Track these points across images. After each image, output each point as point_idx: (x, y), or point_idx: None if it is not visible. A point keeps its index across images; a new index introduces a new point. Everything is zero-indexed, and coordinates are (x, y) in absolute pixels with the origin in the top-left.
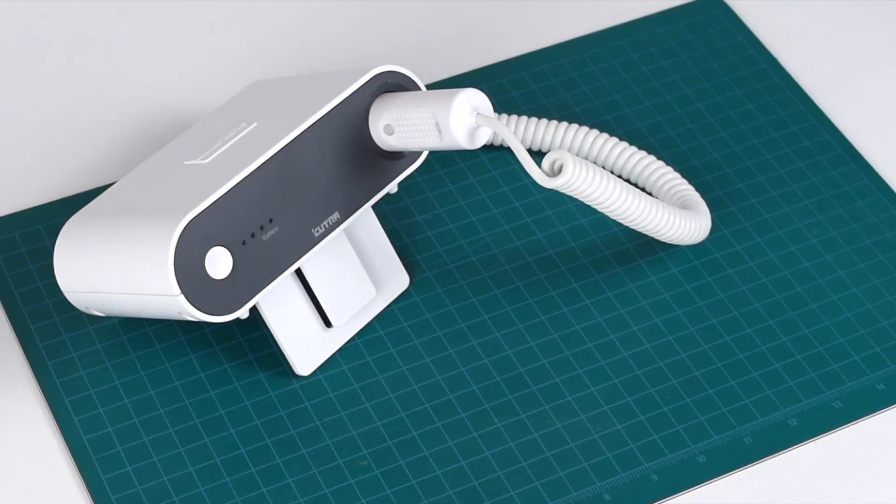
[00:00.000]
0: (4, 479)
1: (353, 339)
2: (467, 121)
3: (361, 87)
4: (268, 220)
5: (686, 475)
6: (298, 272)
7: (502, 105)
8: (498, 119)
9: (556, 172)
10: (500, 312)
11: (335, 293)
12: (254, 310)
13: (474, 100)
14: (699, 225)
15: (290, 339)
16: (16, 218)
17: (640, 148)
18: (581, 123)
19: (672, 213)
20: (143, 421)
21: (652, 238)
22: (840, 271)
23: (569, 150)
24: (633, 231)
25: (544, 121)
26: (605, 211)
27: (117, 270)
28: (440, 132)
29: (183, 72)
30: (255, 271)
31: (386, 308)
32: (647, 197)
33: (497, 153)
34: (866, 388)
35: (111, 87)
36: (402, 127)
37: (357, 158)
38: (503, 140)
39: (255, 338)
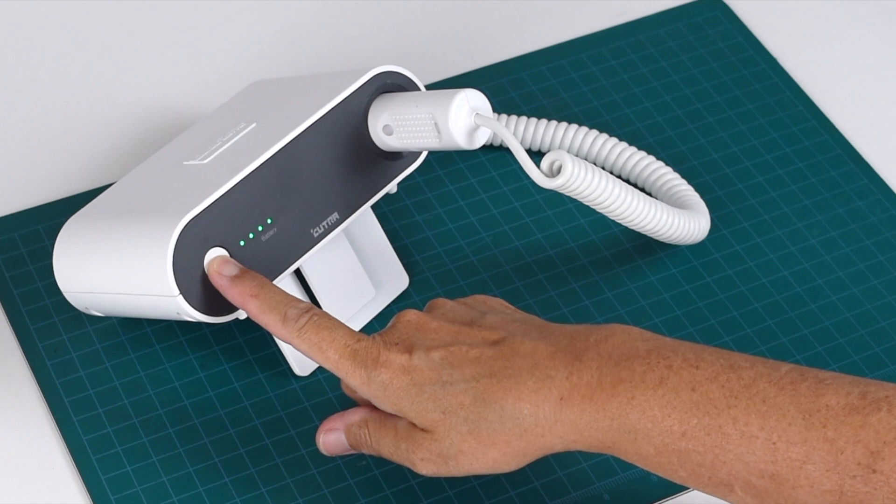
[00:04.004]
0: (4, 479)
1: None
2: (466, 121)
3: (361, 87)
4: (267, 220)
5: None
6: (298, 272)
7: (501, 105)
8: (497, 119)
9: (555, 173)
10: None
11: (334, 293)
12: None
13: (473, 100)
14: (698, 225)
15: None
16: (16, 218)
17: (640, 148)
18: (580, 124)
19: (671, 213)
20: (143, 421)
21: (651, 238)
22: (839, 272)
23: (568, 151)
24: (633, 231)
25: (543, 121)
26: (604, 211)
27: (116, 271)
28: (439, 132)
29: (183, 72)
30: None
31: (385, 308)
32: (646, 197)
33: (496, 154)
34: None
35: (111, 87)
36: (400, 127)
37: (356, 159)
38: (502, 140)
39: (254, 338)
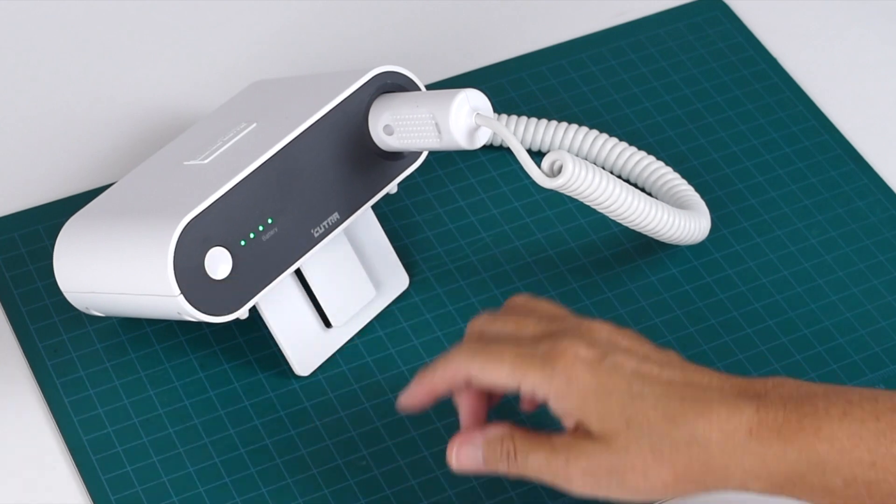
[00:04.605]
0: (4, 479)
1: (352, 339)
2: (467, 121)
3: (361, 87)
4: (267, 220)
5: None
6: (298, 272)
7: (502, 105)
8: (497, 119)
9: (555, 173)
10: None
11: (335, 293)
12: (254, 310)
13: (474, 100)
14: (698, 225)
15: (289, 340)
16: (16, 218)
17: (640, 148)
18: (581, 124)
19: (671, 213)
20: (143, 421)
21: (651, 238)
22: (839, 272)
23: (568, 151)
24: (633, 231)
25: (544, 121)
26: (605, 211)
27: (117, 271)
28: (440, 132)
29: (183, 72)
30: (254, 271)
31: (385, 308)
32: (647, 197)
33: (497, 153)
34: None
35: (111, 87)
36: (401, 127)
37: (357, 159)
38: (503, 140)
39: (254, 338)
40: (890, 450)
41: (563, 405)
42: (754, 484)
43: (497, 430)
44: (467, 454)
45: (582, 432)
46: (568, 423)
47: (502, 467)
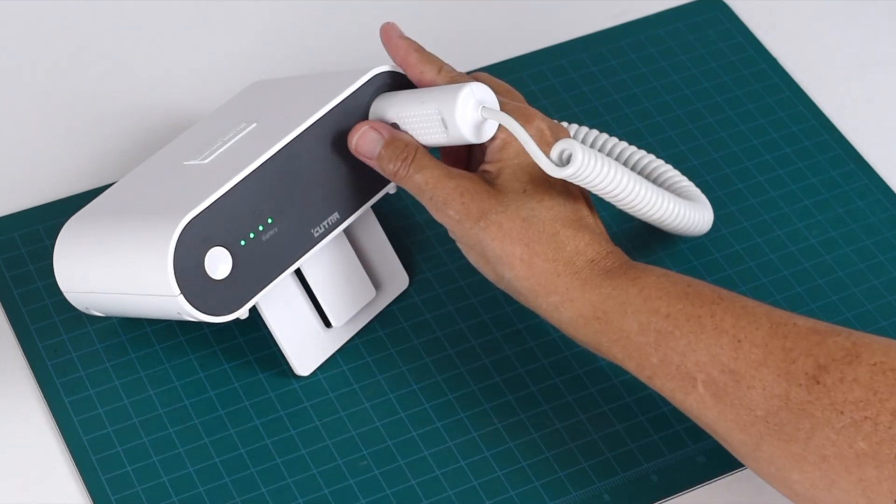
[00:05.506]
0: (4, 479)
1: (352, 339)
2: (473, 115)
3: (361, 87)
4: (267, 220)
5: (686, 475)
6: (298, 272)
7: None
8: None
9: (564, 162)
10: (500, 313)
11: (335, 294)
12: (254, 310)
13: (479, 94)
14: (703, 216)
15: (289, 340)
16: (16, 218)
17: (640, 148)
18: (581, 124)
19: (679, 203)
20: (143, 421)
21: (651, 238)
22: (839, 272)
23: None
24: (633, 231)
25: None
26: (613, 200)
27: (117, 271)
28: (446, 127)
29: (183, 72)
30: (254, 271)
31: (386, 308)
32: (655, 187)
33: None
34: None
35: (111, 87)
36: (407, 124)
37: (356, 158)
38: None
39: (254, 338)
40: (686, 308)
41: (502, 150)
42: (568, 307)
43: (408, 137)
44: (369, 139)
45: (482, 175)
46: (485, 167)
47: (392, 168)
